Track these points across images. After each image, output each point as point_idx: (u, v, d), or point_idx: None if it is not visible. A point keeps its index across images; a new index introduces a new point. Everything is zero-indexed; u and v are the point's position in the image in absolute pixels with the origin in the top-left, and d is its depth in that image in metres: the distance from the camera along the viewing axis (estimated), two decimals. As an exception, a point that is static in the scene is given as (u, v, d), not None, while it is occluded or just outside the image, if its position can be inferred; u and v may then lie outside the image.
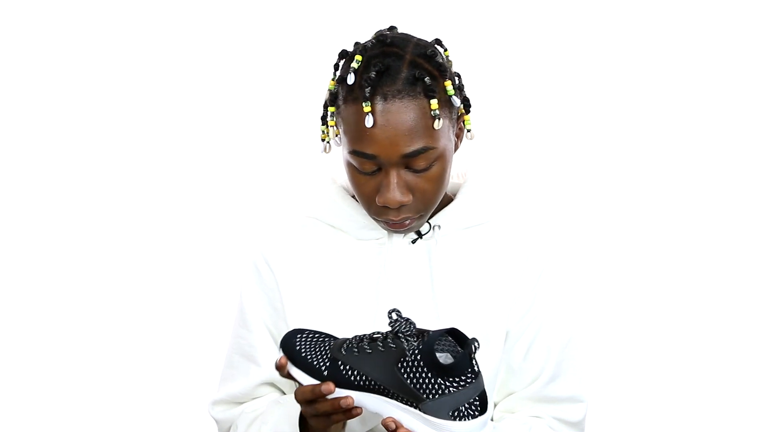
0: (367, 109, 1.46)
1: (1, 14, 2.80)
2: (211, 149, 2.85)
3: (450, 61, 1.57)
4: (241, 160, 2.84)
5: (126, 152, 2.85)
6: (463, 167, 1.68)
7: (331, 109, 1.52)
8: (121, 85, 2.84)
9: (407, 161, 1.48)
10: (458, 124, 1.57)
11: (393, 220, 1.53)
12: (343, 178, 1.69)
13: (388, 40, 1.51)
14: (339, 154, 1.60)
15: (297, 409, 1.55)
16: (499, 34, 2.79)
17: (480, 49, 2.70)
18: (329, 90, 1.55)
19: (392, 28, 1.58)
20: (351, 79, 1.48)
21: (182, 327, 2.83)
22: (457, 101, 1.52)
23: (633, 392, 2.82)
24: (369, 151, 1.47)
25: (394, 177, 1.49)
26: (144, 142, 2.85)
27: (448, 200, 1.65)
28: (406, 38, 1.53)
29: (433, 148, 1.49)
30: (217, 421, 1.73)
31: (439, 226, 1.62)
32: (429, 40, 1.57)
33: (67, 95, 2.84)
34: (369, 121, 1.46)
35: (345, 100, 1.50)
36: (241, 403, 1.70)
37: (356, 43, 1.57)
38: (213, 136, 2.85)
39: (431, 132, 1.48)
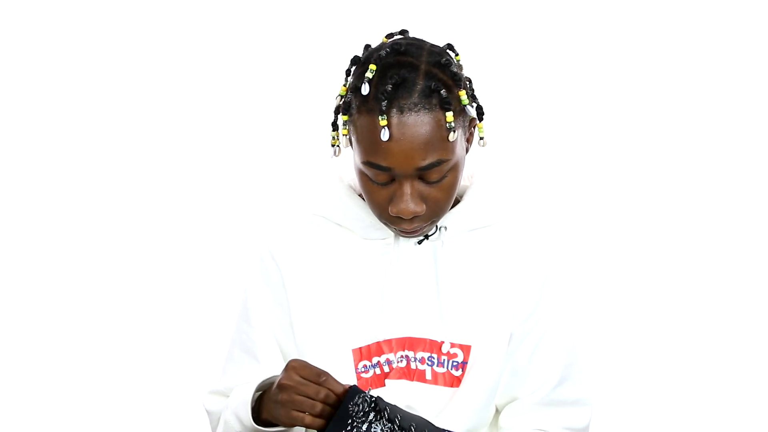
0: (383, 123, 1.45)
1: (1, 14, 2.79)
2: (219, 147, 2.84)
3: (461, 66, 1.56)
4: (249, 158, 2.82)
5: (134, 151, 2.84)
6: (470, 170, 1.67)
7: (344, 117, 1.51)
8: (133, 84, 2.83)
9: (421, 173, 1.49)
10: (469, 129, 1.56)
11: (406, 229, 1.54)
12: (351, 176, 1.69)
13: (402, 48, 1.50)
14: (347, 153, 1.59)
15: (250, 392, 1.56)
16: (505, 36, 2.78)
17: (487, 52, 2.68)
18: (341, 96, 1.54)
19: (404, 32, 1.57)
20: (365, 89, 1.47)
21: (187, 322, 2.83)
22: (471, 111, 1.52)
23: (638, 397, 2.82)
24: (384, 163, 1.47)
25: (407, 188, 1.49)
26: (152, 141, 2.84)
27: (455, 202, 1.65)
28: (420, 45, 1.52)
29: (447, 160, 1.49)
30: (208, 412, 1.72)
31: (446, 228, 1.63)
32: (441, 45, 1.56)
33: (83, 97, 2.83)
34: (385, 135, 1.45)
35: (359, 110, 1.49)
36: None
37: (367, 47, 1.56)
38: (221, 135, 2.84)
39: (446, 144, 1.48)
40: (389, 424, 1.43)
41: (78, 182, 2.85)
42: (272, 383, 1.54)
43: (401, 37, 1.56)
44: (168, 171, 2.85)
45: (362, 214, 1.64)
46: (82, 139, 2.84)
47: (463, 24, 2.72)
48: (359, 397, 1.44)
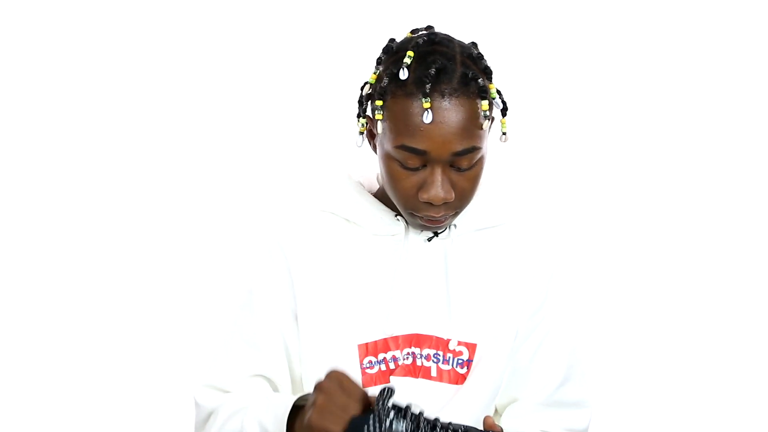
0: (426, 105, 1.47)
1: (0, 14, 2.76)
2: (227, 145, 2.83)
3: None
4: (257, 155, 2.81)
5: (142, 148, 2.83)
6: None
7: (378, 102, 1.52)
8: (145, 80, 2.82)
9: (454, 159, 1.50)
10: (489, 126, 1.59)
11: (434, 217, 1.55)
12: (359, 174, 1.69)
13: (437, 39, 1.53)
14: (359, 152, 1.61)
15: (286, 406, 1.52)
16: (517, 36, 2.80)
17: (497, 52, 2.71)
18: (371, 84, 1.56)
19: (429, 28, 1.59)
20: (404, 74, 1.49)
21: (189, 318, 2.80)
22: (500, 104, 1.55)
23: (638, 398, 2.85)
24: (420, 146, 1.49)
25: (439, 174, 1.51)
26: (162, 140, 2.83)
27: None
28: (451, 39, 1.56)
29: (479, 148, 1.51)
30: (198, 405, 1.66)
31: (455, 226, 1.64)
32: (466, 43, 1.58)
33: (88, 95, 2.81)
34: (428, 118, 1.47)
35: (394, 95, 1.50)
36: (230, 392, 1.66)
37: (392, 40, 1.58)
38: (229, 132, 2.83)
39: (480, 132, 1.51)
40: (412, 424, 1.40)
41: (94, 179, 2.83)
42: (308, 399, 1.48)
43: (430, 32, 1.58)
44: (176, 169, 2.83)
45: (373, 210, 1.64)
46: (100, 140, 2.82)
47: (467, 27, 2.72)
48: (386, 393, 1.40)
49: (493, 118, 1.57)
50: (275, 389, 1.67)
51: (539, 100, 2.81)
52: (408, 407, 1.39)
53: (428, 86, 1.47)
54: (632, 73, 2.84)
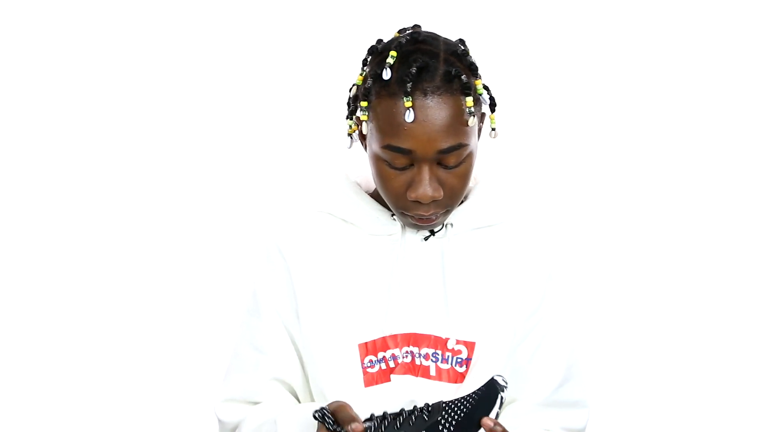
0: (408, 104, 1.48)
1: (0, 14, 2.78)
2: (224, 146, 2.83)
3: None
4: (254, 156, 2.82)
5: (139, 150, 2.83)
6: (474, 171, 1.67)
7: (363, 103, 1.53)
8: (141, 82, 2.83)
9: (440, 157, 1.51)
10: (479, 123, 1.59)
11: (423, 215, 1.56)
12: (356, 174, 1.71)
13: (421, 38, 1.54)
14: (354, 151, 1.62)
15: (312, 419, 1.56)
16: (510, 35, 2.80)
17: (491, 50, 2.72)
18: (357, 85, 1.57)
19: (416, 26, 1.60)
20: (387, 74, 1.50)
21: (193, 323, 2.80)
22: (486, 100, 1.56)
23: (637, 398, 2.83)
24: (405, 146, 1.50)
25: (427, 172, 1.52)
26: (159, 141, 2.83)
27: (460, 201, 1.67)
28: (435, 36, 1.56)
29: (465, 145, 1.52)
30: (220, 422, 1.70)
31: (452, 225, 1.65)
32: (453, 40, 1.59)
33: (87, 98, 2.81)
34: (410, 116, 1.48)
35: (379, 95, 1.51)
36: (250, 402, 1.69)
37: (379, 41, 1.59)
38: (226, 134, 2.83)
39: (465, 129, 1.51)
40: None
41: (87, 185, 2.83)
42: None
43: (414, 31, 1.59)
44: (174, 171, 2.83)
45: (370, 210, 1.66)
46: (95, 142, 2.83)
47: (464, 25, 2.74)
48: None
49: (483, 114, 1.58)
50: (291, 391, 1.69)
51: (536, 98, 2.80)
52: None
53: (409, 85, 1.48)
54: (631, 71, 2.82)
